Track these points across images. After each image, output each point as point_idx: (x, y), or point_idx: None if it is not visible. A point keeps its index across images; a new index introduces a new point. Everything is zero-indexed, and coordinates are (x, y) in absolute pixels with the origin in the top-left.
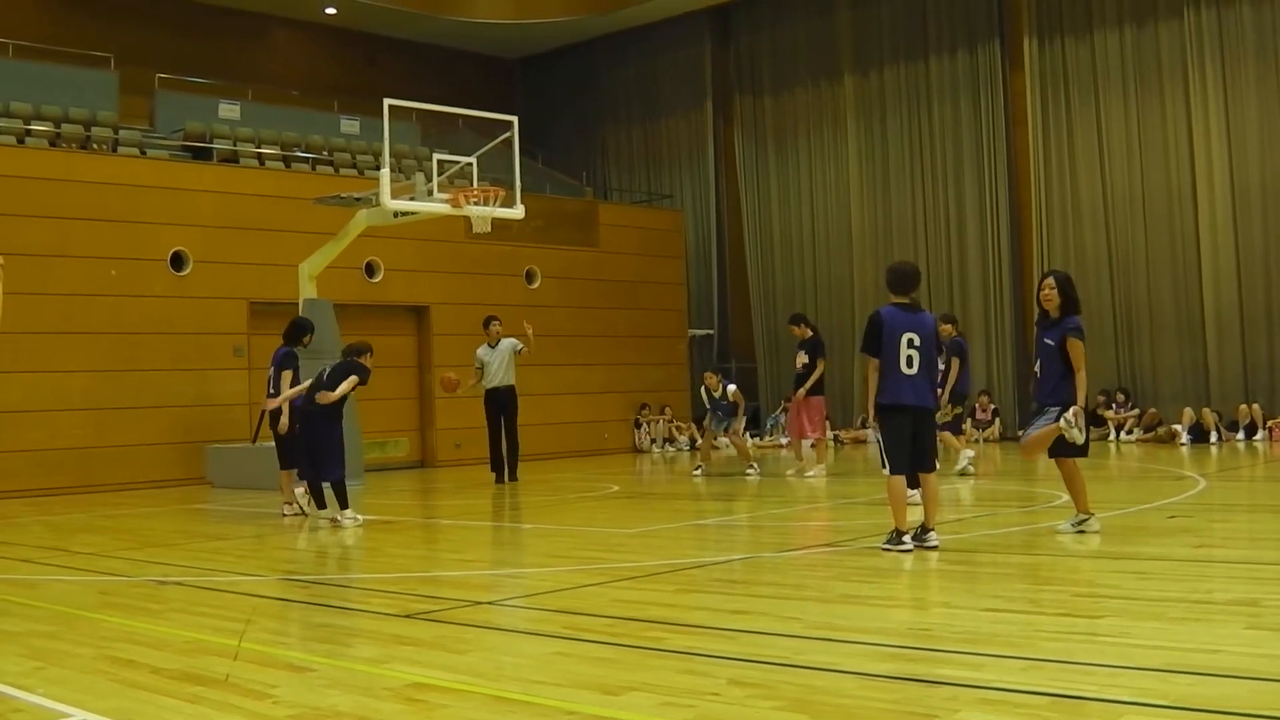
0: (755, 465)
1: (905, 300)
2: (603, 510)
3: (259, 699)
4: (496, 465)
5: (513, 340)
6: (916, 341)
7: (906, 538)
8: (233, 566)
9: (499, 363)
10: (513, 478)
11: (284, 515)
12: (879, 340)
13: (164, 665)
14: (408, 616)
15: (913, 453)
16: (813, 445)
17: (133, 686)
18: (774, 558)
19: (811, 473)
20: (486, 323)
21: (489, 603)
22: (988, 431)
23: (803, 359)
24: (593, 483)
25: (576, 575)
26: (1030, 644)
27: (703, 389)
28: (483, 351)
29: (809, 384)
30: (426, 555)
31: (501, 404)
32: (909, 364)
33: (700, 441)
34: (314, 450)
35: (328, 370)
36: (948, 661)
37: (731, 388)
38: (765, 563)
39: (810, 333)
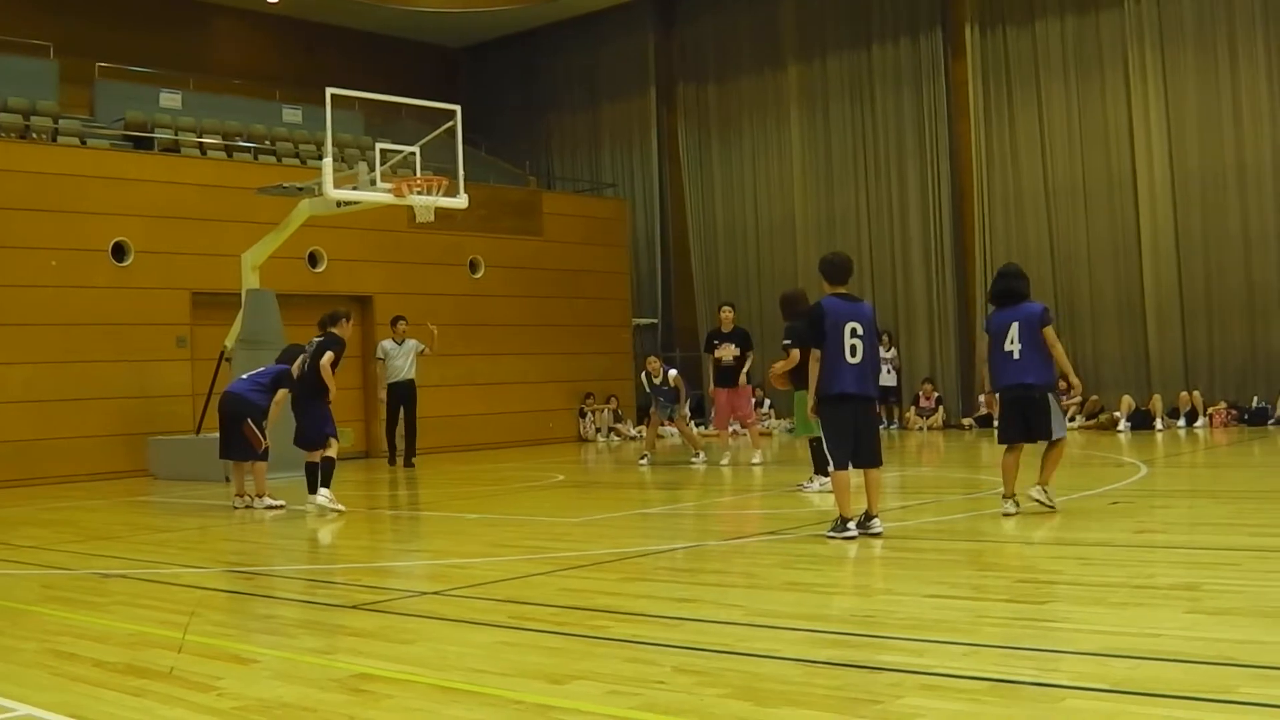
0: (702, 453)
1: (843, 290)
2: (548, 499)
3: (204, 691)
4: (392, 450)
5: (415, 342)
6: (859, 330)
7: (851, 525)
8: (176, 559)
9: (404, 359)
10: (408, 464)
11: (234, 508)
12: (821, 331)
13: (108, 659)
14: (353, 607)
15: (857, 447)
16: (740, 431)
17: (76, 680)
18: (719, 545)
19: (756, 458)
20: (394, 322)
21: (434, 593)
22: (932, 419)
23: (734, 351)
24: (538, 472)
25: (522, 565)
26: (973, 630)
27: (644, 374)
28: (389, 345)
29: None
30: (371, 546)
31: (402, 396)
32: (852, 353)
33: (645, 430)
34: (303, 428)
35: (312, 348)
36: (891, 648)
37: (673, 373)
38: (710, 551)
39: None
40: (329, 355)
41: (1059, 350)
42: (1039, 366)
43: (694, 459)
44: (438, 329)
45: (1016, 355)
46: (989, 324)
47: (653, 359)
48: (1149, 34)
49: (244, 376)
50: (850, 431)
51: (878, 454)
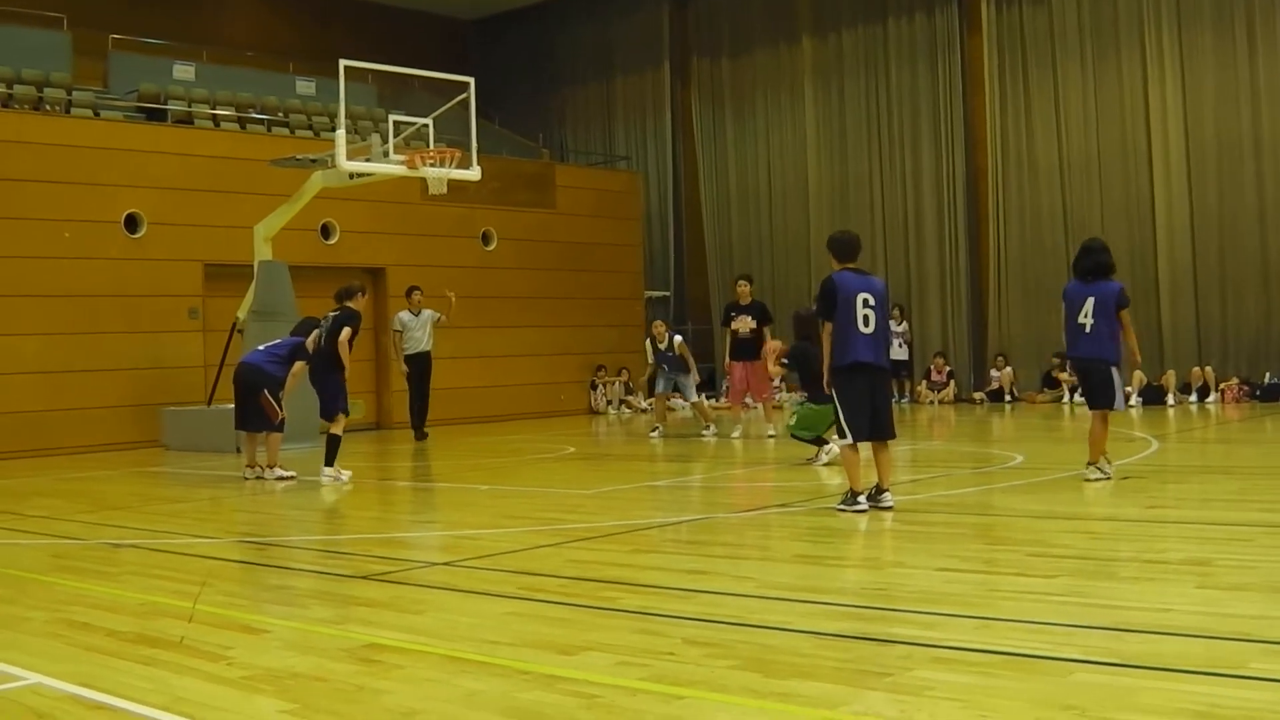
0: (712, 425)
1: (853, 265)
2: (559, 471)
3: (214, 661)
4: (416, 424)
5: (431, 312)
6: (871, 302)
7: (861, 498)
8: (188, 529)
9: (421, 330)
10: (421, 436)
11: (245, 478)
12: (834, 303)
13: (119, 628)
14: (363, 578)
15: (872, 419)
16: (753, 405)
17: (88, 650)
18: (729, 518)
19: (736, 434)
20: (409, 292)
21: (445, 564)
22: (943, 393)
23: (750, 324)
24: (549, 444)
25: (532, 536)
26: (984, 603)
27: (648, 340)
28: (406, 317)
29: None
30: (382, 517)
31: (420, 368)
32: (865, 323)
33: (655, 402)
34: (319, 400)
35: (329, 324)
36: (902, 621)
37: (678, 339)
38: (720, 523)
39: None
40: (347, 331)
41: (1131, 331)
42: (1107, 341)
43: (704, 431)
44: (455, 296)
45: (1088, 329)
46: (1066, 293)
47: (659, 323)
48: (1166, 7)
49: (260, 348)
50: (867, 402)
51: (891, 426)
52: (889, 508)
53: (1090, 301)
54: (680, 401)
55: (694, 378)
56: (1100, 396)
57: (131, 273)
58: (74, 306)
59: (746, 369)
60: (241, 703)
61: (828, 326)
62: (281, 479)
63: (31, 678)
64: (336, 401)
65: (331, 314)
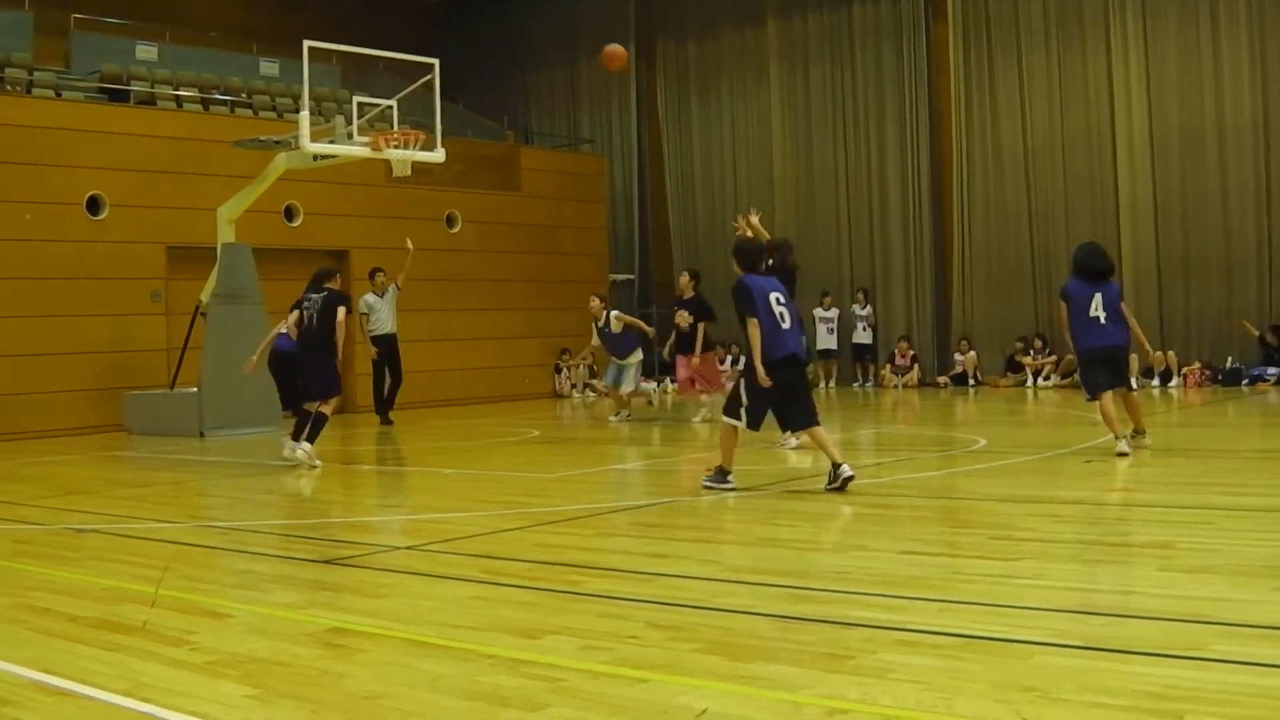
0: (624, 411)
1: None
2: (523, 455)
3: (177, 646)
4: (382, 409)
5: (394, 288)
6: (782, 299)
7: (731, 477)
8: (151, 513)
9: (388, 310)
10: (386, 421)
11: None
12: (754, 302)
13: (81, 613)
14: (327, 562)
15: (793, 409)
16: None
17: (49, 635)
18: (692, 501)
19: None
20: (372, 274)
21: (408, 548)
22: (907, 377)
23: (688, 319)
24: (513, 428)
25: (496, 520)
26: (947, 586)
27: (593, 323)
28: (371, 299)
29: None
30: (346, 501)
31: (389, 349)
32: (784, 319)
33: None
34: (311, 381)
35: (319, 306)
36: (865, 604)
37: (614, 314)
38: (684, 506)
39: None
40: (342, 311)
41: (1134, 320)
42: (1120, 331)
43: (613, 418)
44: (414, 246)
45: (1103, 320)
46: (1070, 292)
47: (593, 299)
48: None
49: (283, 331)
50: (776, 398)
51: (816, 412)
52: (851, 477)
53: (1099, 298)
54: (647, 385)
55: (635, 360)
56: (1123, 379)
57: (94, 255)
58: (35, 289)
59: (687, 362)
60: (205, 687)
61: (753, 320)
62: (305, 456)
63: None
64: (330, 383)
65: (315, 296)
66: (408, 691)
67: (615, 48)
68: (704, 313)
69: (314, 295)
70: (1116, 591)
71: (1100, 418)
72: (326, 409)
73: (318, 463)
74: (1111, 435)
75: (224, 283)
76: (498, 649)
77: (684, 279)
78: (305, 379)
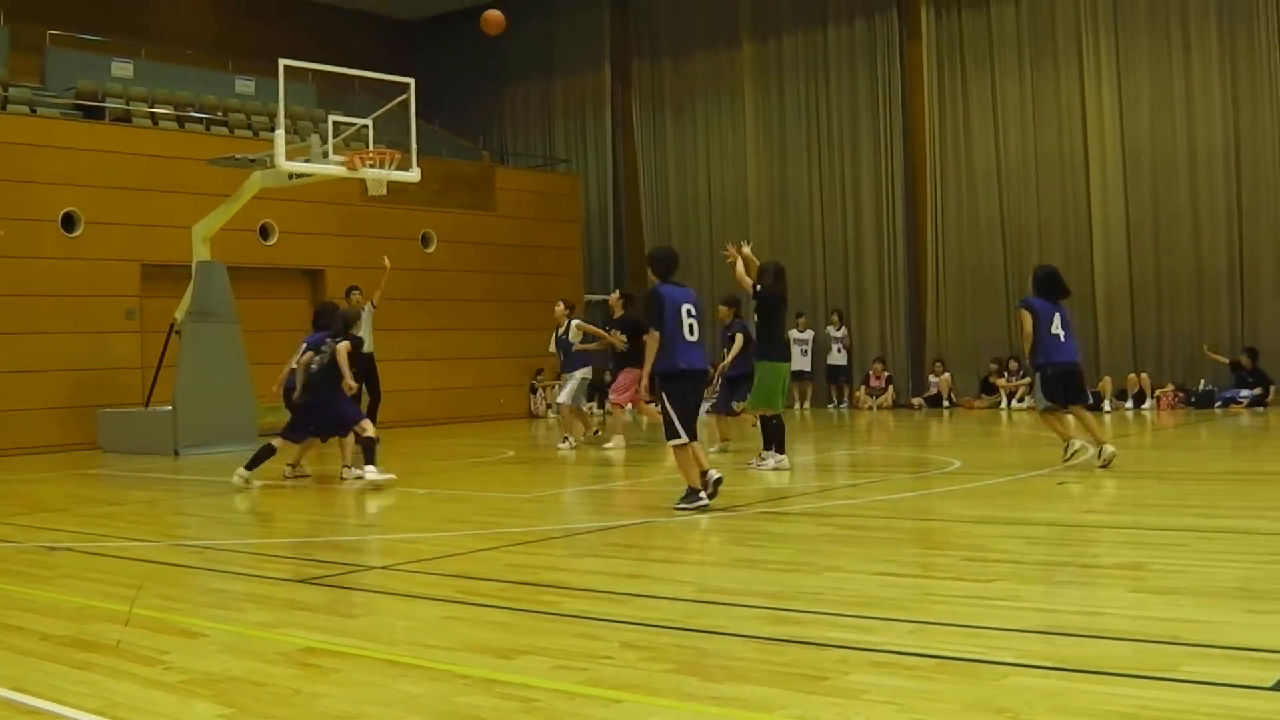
0: (570, 439)
1: (674, 281)
2: (497, 475)
3: (150, 665)
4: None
5: (369, 306)
6: (694, 312)
7: (702, 494)
8: (124, 532)
9: (364, 329)
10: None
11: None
12: (663, 314)
13: (54, 632)
14: (301, 581)
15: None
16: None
17: (22, 654)
18: (667, 522)
19: (611, 444)
20: (348, 293)
21: (382, 567)
22: (881, 398)
23: (621, 337)
24: (488, 448)
25: (470, 540)
26: (920, 607)
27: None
28: None
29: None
30: (320, 520)
31: (368, 369)
32: (691, 331)
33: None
34: (331, 417)
35: (327, 340)
36: (838, 625)
37: (575, 322)
38: (658, 527)
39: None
40: (346, 345)
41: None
42: (1076, 349)
43: (560, 444)
44: (390, 264)
45: (1063, 338)
46: (1034, 305)
47: (559, 304)
48: (1103, 17)
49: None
50: (693, 404)
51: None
52: (720, 480)
53: (1058, 317)
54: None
55: (579, 375)
56: (1080, 395)
57: (68, 272)
58: (9, 306)
59: (627, 375)
60: (178, 707)
61: (654, 334)
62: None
63: None
64: (353, 410)
65: (328, 337)
66: (382, 711)
67: (493, 12)
68: (636, 331)
69: (330, 340)
70: (1088, 612)
71: (1053, 430)
72: (370, 431)
73: (373, 476)
74: (1065, 442)
75: (199, 301)
76: (472, 669)
77: (614, 298)
78: (321, 415)
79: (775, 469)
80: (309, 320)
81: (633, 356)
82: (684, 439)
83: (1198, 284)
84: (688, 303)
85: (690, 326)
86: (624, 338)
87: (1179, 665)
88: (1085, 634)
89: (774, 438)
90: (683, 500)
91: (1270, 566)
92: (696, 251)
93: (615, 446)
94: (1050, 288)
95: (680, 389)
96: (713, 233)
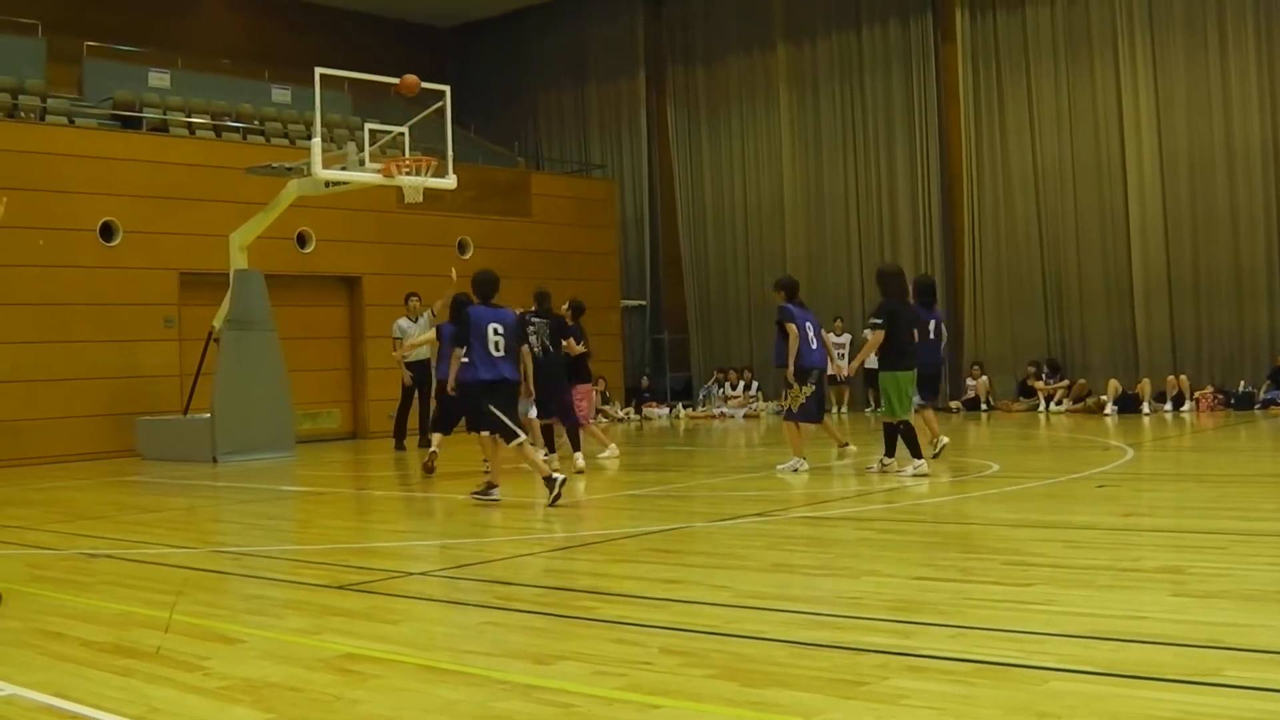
0: (611, 448)
1: (491, 301)
2: (533, 481)
3: (190, 670)
4: (400, 435)
5: (428, 314)
6: (500, 330)
7: (496, 490)
8: (163, 539)
9: (420, 335)
10: (399, 447)
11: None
12: (470, 332)
13: (94, 638)
14: (339, 588)
15: (484, 422)
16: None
17: (62, 660)
18: (705, 527)
19: (606, 453)
20: (407, 299)
21: (420, 573)
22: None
23: (577, 347)
24: None
25: (508, 545)
26: (959, 612)
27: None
28: (405, 324)
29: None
30: (358, 526)
31: (422, 376)
32: (497, 348)
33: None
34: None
35: (547, 330)
36: (877, 629)
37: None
38: (697, 532)
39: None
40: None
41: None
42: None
43: (602, 453)
44: (456, 272)
45: (933, 339)
46: (910, 314)
47: (564, 306)
48: (1139, 18)
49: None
50: (502, 405)
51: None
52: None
53: (933, 322)
54: (658, 410)
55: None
56: (936, 394)
57: (106, 281)
58: (48, 315)
59: (579, 390)
60: (218, 713)
61: (456, 352)
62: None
63: (5, 689)
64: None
65: (536, 318)
66: (420, 717)
67: (409, 77)
68: (571, 336)
69: (537, 320)
70: (1129, 616)
71: (925, 424)
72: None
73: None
74: (934, 441)
75: (236, 309)
76: (510, 675)
77: (564, 308)
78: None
79: (914, 473)
80: (346, 328)
81: (579, 372)
82: (521, 438)
83: (1236, 284)
84: (495, 322)
85: (496, 344)
86: (580, 347)
87: (1222, 669)
88: (1126, 638)
89: (907, 443)
90: (480, 491)
91: None
92: (733, 255)
93: (610, 455)
94: (925, 294)
95: (494, 396)
96: (748, 237)
